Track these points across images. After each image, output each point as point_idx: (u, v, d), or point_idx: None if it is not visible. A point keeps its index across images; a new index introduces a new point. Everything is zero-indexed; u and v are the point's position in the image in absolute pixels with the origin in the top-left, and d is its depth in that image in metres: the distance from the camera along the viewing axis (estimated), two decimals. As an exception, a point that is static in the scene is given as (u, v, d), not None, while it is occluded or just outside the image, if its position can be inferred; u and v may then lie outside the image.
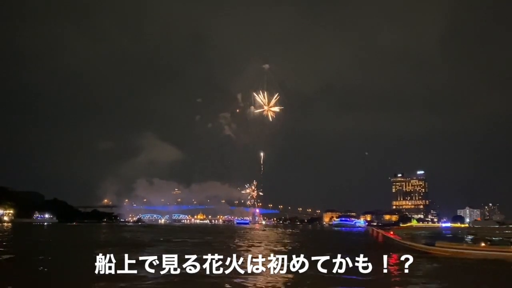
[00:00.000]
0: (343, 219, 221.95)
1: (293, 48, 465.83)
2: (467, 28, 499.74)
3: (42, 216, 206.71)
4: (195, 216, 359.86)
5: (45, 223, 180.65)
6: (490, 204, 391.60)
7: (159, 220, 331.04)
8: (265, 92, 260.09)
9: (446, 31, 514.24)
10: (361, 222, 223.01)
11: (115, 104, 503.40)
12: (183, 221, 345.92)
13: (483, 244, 37.48)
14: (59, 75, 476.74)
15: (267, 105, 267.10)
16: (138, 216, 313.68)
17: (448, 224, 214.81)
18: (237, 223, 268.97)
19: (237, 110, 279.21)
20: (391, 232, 45.28)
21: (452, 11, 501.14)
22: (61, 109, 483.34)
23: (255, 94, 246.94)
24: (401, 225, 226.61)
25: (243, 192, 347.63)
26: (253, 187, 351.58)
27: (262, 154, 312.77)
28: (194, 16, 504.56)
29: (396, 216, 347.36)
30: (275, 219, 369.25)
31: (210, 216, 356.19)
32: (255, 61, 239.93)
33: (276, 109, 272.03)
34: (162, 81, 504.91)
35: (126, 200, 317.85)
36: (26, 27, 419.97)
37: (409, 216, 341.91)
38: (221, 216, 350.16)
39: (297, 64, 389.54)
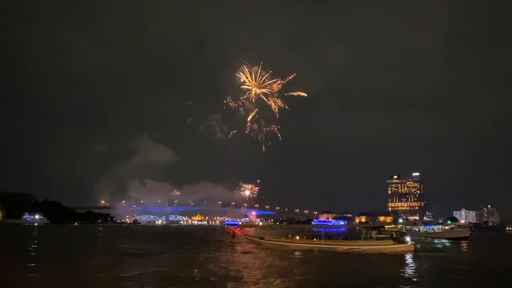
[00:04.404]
0: (322, 220, 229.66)
1: (295, 50, 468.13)
2: (469, 31, 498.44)
3: (32, 217, 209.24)
4: (193, 218, 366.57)
5: (35, 224, 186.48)
6: (489, 206, 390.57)
7: (156, 222, 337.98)
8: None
9: (447, 34, 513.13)
10: (340, 222, 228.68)
11: (112, 105, 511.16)
12: (181, 222, 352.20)
13: (297, 238, 45.16)
14: (57, 76, 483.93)
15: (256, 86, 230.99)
16: (134, 218, 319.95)
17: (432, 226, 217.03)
18: (227, 224, 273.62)
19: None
20: (238, 229, 54.33)
21: (453, 14, 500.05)
22: (58, 110, 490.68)
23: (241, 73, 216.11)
24: (385, 226, 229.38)
25: (241, 193, 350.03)
26: (249, 188, 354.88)
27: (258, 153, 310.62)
28: (197, 19, 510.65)
29: (391, 217, 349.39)
30: (272, 220, 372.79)
31: (207, 218, 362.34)
32: (248, 62, 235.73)
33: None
34: (160, 83, 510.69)
35: (123, 201, 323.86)
36: (28, 27, 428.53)
37: (405, 217, 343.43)
38: (218, 218, 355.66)
39: (298, 66, 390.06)
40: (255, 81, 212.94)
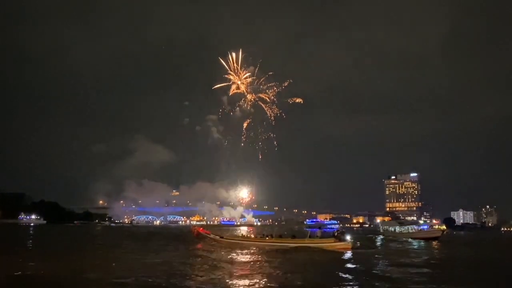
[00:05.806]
0: (314, 220, 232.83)
1: (295, 51, 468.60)
2: (469, 31, 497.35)
3: (28, 217, 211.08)
4: (191, 218, 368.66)
5: (31, 224, 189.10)
6: (488, 206, 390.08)
7: (154, 222, 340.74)
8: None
9: (447, 34, 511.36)
10: (334, 222, 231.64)
11: (110, 106, 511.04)
12: (180, 222, 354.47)
13: (252, 236, 51.56)
14: (56, 76, 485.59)
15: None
16: (132, 218, 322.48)
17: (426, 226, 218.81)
18: (223, 224, 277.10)
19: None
20: (201, 228, 59.39)
21: (453, 14, 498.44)
22: (56, 110, 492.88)
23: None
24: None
25: (237, 194, 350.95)
26: (247, 189, 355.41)
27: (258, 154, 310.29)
28: (197, 19, 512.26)
29: (389, 218, 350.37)
30: (270, 220, 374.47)
31: (205, 218, 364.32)
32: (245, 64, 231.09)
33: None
34: (159, 83, 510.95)
35: (121, 201, 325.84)
36: (28, 27, 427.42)
37: (402, 218, 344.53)
38: (216, 218, 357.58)
39: (298, 66, 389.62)
40: (251, 85, 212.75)
